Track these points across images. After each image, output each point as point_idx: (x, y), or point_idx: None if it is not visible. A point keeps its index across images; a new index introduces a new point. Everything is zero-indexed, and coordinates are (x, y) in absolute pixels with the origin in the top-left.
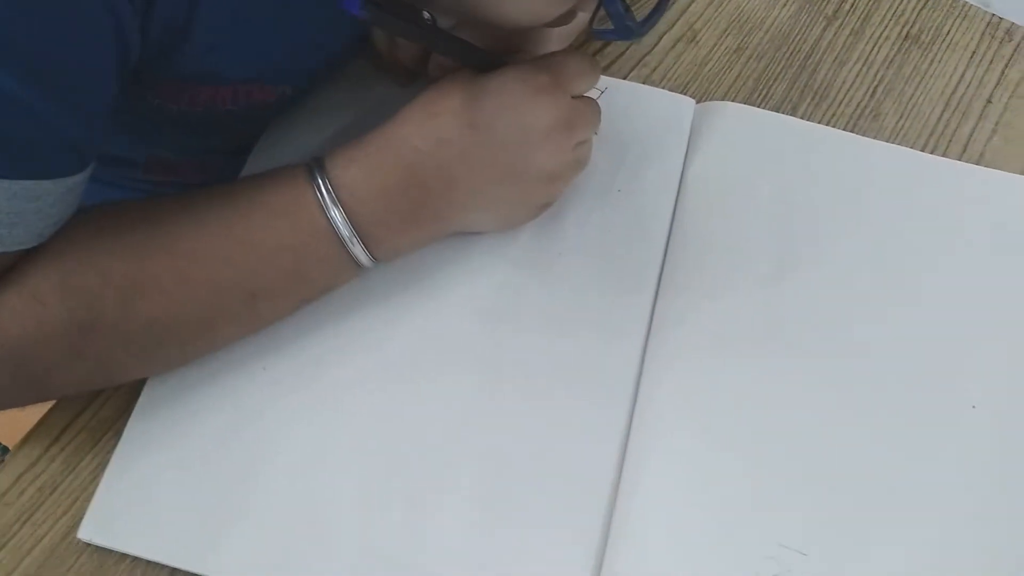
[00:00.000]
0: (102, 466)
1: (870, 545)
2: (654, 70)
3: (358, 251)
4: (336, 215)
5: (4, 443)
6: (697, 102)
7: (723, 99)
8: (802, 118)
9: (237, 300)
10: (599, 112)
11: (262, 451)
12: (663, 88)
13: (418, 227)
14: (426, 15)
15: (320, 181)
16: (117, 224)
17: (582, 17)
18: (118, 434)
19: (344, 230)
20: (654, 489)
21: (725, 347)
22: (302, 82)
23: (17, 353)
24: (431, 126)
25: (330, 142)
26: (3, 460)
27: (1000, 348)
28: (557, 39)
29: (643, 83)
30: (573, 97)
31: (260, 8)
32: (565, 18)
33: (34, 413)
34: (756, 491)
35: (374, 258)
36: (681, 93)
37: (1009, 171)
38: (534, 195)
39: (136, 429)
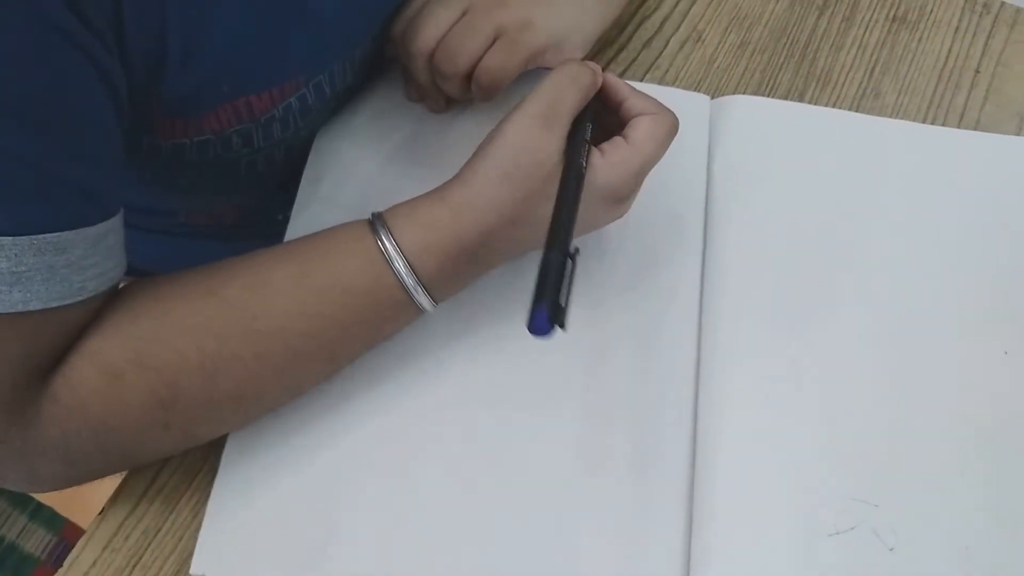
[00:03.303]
0: (200, 503)
1: (936, 491)
2: (666, 72)
3: (422, 299)
4: (401, 270)
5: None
6: (711, 98)
7: (734, 92)
8: (810, 103)
9: (316, 363)
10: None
11: (351, 470)
12: (677, 87)
13: (475, 274)
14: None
15: (385, 241)
16: (184, 296)
17: None
18: (212, 470)
19: (410, 281)
20: (730, 470)
21: (776, 319)
22: (296, 76)
23: (102, 428)
24: (510, 230)
25: (376, 179)
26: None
27: None
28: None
29: (658, 84)
30: None
31: (226, 12)
32: None
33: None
34: (822, 451)
35: (435, 302)
36: (695, 91)
37: (1004, 133)
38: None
39: (231, 462)
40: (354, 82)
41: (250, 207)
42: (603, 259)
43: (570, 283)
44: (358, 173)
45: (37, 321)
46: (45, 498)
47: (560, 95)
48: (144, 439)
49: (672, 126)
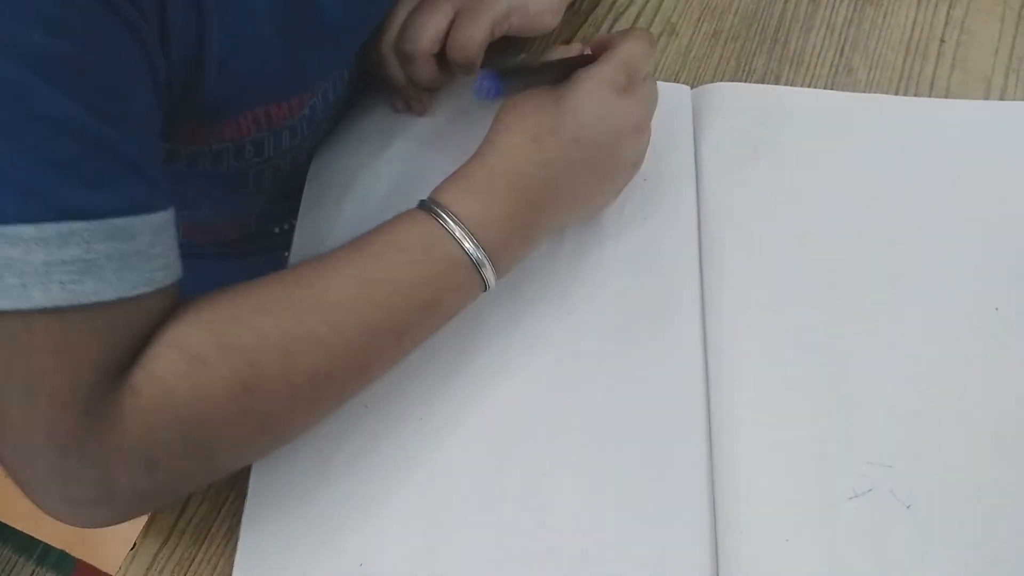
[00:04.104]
0: (232, 528)
1: (946, 447)
2: None
3: (488, 273)
4: (468, 245)
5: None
6: (691, 87)
7: (712, 81)
8: (785, 85)
9: (387, 339)
10: (656, 86)
11: (380, 486)
12: (657, 80)
13: (534, 240)
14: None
15: (445, 216)
16: (257, 286)
17: None
18: (240, 496)
19: (476, 255)
20: (747, 445)
21: (779, 294)
22: (313, 84)
23: (189, 417)
24: (536, 150)
25: (375, 195)
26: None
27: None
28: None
29: None
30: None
31: (260, 21)
32: None
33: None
34: (834, 419)
35: (497, 276)
36: (674, 82)
37: (973, 98)
38: (622, 181)
39: (259, 485)
40: (349, 85)
41: (251, 222)
42: (602, 250)
43: (523, 85)
44: (356, 192)
45: (112, 313)
46: (54, 539)
47: (637, 63)
48: (228, 430)
49: (646, 35)
